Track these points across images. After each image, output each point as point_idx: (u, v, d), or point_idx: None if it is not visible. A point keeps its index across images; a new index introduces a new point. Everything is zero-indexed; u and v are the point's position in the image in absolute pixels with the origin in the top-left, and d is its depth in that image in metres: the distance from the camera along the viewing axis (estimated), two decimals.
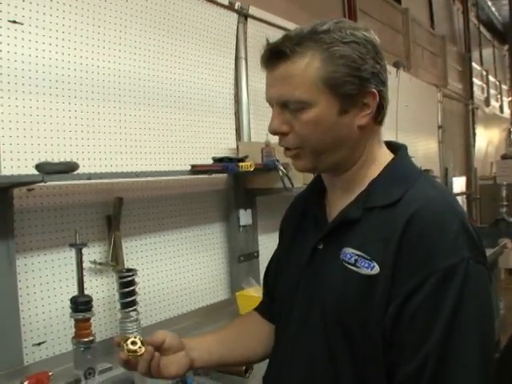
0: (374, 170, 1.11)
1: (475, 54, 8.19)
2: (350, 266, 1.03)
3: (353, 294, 1.02)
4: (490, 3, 9.15)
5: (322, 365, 1.06)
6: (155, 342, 1.13)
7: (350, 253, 1.04)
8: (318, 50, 1.02)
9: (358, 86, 1.04)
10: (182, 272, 2.58)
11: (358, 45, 1.03)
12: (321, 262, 1.11)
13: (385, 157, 1.14)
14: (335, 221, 1.11)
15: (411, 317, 0.95)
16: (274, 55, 1.03)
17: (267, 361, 1.33)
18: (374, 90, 1.05)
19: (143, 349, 1.09)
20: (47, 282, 1.99)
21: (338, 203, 1.14)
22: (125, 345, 1.09)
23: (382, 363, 0.99)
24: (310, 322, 1.10)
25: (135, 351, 1.09)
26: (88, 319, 1.45)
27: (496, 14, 9.68)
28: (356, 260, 1.03)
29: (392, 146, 1.17)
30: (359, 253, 1.03)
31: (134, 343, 1.09)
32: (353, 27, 1.05)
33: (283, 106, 1.06)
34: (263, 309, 1.41)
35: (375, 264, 0.99)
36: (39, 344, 1.95)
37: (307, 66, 1.02)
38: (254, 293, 2.49)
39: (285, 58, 1.02)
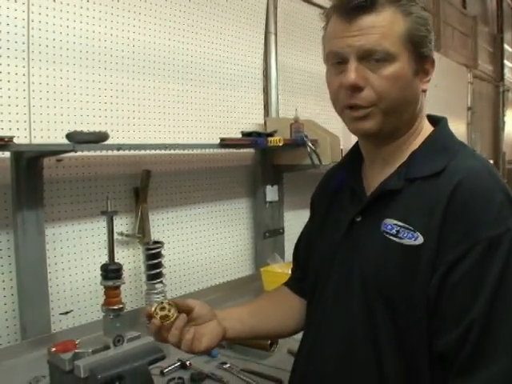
0: (416, 142, 1.11)
1: (507, 36, 7.99)
2: (391, 237, 1.03)
3: (395, 264, 1.01)
4: None
5: (361, 336, 1.06)
6: (185, 306, 1.12)
7: (391, 224, 1.04)
8: (400, 6, 1.02)
9: (429, 50, 1.06)
10: (208, 246, 2.59)
11: (426, 11, 1.06)
12: (360, 234, 1.10)
13: (427, 128, 1.13)
14: (375, 193, 1.10)
15: (455, 285, 0.94)
16: (359, 4, 1.00)
17: (293, 336, 1.33)
18: (434, 58, 1.08)
19: (175, 314, 1.08)
20: (75, 251, 2.01)
21: (377, 176, 1.12)
22: (155, 313, 1.08)
23: (425, 333, 0.98)
24: (349, 294, 1.09)
25: (167, 316, 1.07)
26: (118, 287, 1.45)
27: None
28: (398, 231, 1.02)
29: (432, 119, 1.16)
30: (402, 224, 1.02)
31: (162, 309, 1.08)
32: None
33: (362, 58, 1.01)
34: (293, 284, 1.41)
35: (419, 234, 0.99)
36: (66, 313, 1.98)
37: (393, 19, 1.01)
38: (278, 269, 2.49)
39: (371, 8, 1.01)
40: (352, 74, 1.01)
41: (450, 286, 0.95)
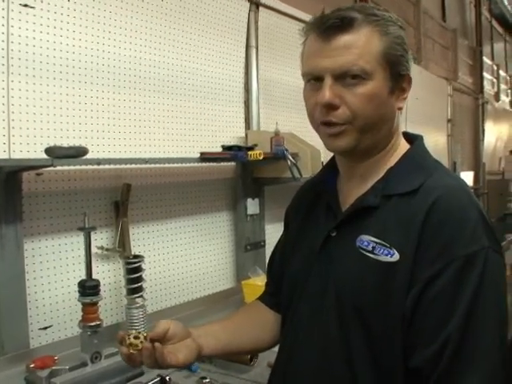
0: (393, 159, 1.12)
1: (486, 48, 8.11)
2: (367, 253, 1.04)
3: (371, 280, 1.02)
4: None
5: (335, 352, 1.06)
6: (158, 334, 1.10)
7: (367, 240, 1.05)
8: (377, 25, 1.04)
9: (405, 68, 1.07)
10: (189, 260, 2.58)
11: (402, 29, 1.07)
12: (334, 249, 1.11)
13: (403, 146, 1.15)
14: (351, 208, 1.11)
15: (432, 301, 0.96)
16: (337, 24, 1.02)
17: (273, 349, 1.33)
18: (411, 76, 1.09)
19: (145, 342, 1.07)
20: (54, 266, 1.99)
21: (353, 191, 1.13)
22: (127, 338, 1.07)
23: (401, 348, 0.99)
24: (324, 310, 1.10)
25: (136, 345, 1.06)
26: (95, 303, 1.46)
27: (508, 7, 9.55)
28: (374, 247, 1.03)
29: (408, 136, 1.18)
30: (377, 240, 1.03)
31: (136, 337, 1.07)
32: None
33: (338, 77, 1.03)
34: (268, 299, 1.41)
35: (395, 251, 1.00)
36: (45, 328, 1.96)
37: (369, 38, 1.03)
38: (259, 282, 2.49)
39: (347, 28, 1.02)
40: (327, 92, 1.03)
41: (426, 302, 0.96)
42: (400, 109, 1.10)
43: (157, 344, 1.07)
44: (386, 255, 1.01)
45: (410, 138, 1.18)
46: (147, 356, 1.06)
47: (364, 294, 1.03)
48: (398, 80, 1.07)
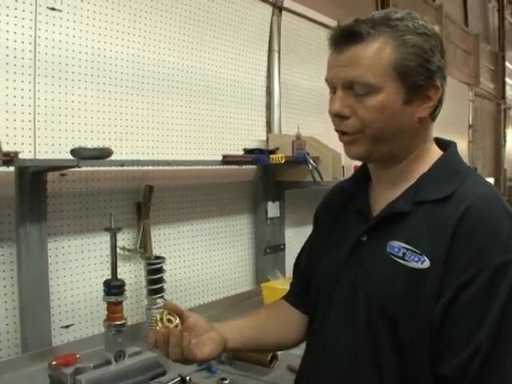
0: (424, 165, 1.11)
1: (509, 54, 8.03)
2: (397, 259, 1.04)
3: (400, 286, 1.02)
4: None
5: (364, 357, 1.06)
6: (189, 318, 1.12)
7: (397, 246, 1.04)
8: (392, 36, 1.02)
9: (425, 78, 1.04)
10: (209, 261, 2.60)
11: (429, 37, 1.05)
12: (365, 254, 1.11)
13: (435, 152, 1.14)
14: (382, 214, 1.11)
15: (462, 310, 0.95)
16: (348, 36, 1.03)
17: (292, 351, 1.33)
18: (438, 84, 1.06)
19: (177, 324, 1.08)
20: (76, 265, 2.02)
21: (384, 197, 1.13)
22: (160, 320, 1.08)
23: (427, 354, 0.99)
24: (353, 314, 1.10)
25: (167, 326, 1.07)
26: (120, 303, 1.48)
27: None
28: (404, 253, 1.03)
29: (440, 143, 1.17)
30: (408, 246, 1.03)
31: (170, 321, 1.08)
32: (424, 19, 1.07)
33: (348, 88, 1.04)
34: (292, 298, 1.41)
35: (425, 258, 1.00)
36: (67, 326, 1.98)
37: (380, 50, 1.02)
38: (279, 285, 2.49)
39: (358, 39, 1.02)
40: (337, 103, 1.05)
41: (457, 311, 0.96)
42: (420, 119, 1.07)
43: (185, 333, 1.07)
44: (417, 262, 1.00)
45: (443, 144, 1.17)
46: (174, 344, 1.06)
47: (393, 298, 1.03)
48: (418, 90, 1.05)
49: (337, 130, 1.10)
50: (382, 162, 1.13)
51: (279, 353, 1.88)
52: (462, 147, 5.89)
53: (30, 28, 1.84)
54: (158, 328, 1.08)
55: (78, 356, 1.65)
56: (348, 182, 1.30)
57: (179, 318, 1.10)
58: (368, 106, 1.03)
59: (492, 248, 0.96)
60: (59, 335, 1.96)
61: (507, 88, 7.75)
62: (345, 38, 1.03)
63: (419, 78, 1.04)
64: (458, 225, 0.98)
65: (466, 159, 5.94)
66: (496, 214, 1.00)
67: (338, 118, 1.07)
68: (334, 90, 1.08)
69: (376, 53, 1.02)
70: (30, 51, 1.85)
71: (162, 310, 1.12)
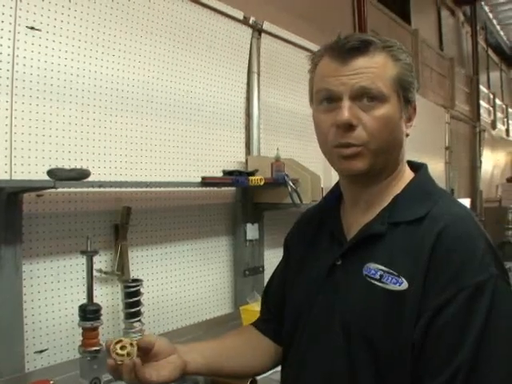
0: (398, 186, 1.12)
1: (483, 77, 8.20)
2: (375, 282, 1.03)
3: (380, 309, 1.01)
4: (498, 27, 9.16)
5: (342, 380, 1.05)
6: (145, 343, 1.06)
7: (374, 268, 1.04)
8: (390, 51, 1.06)
9: (412, 95, 1.09)
10: (187, 284, 2.57)
11: (411, 58, 1.10)
12: (340, 278, 1.10)
13: (408, 173, 1.15)
14: (358, 236, 1.10)
15: (441, 330, 0.95)
16: (354, 47, 1.03)
17: (272, 376, 1.30)
18: (416, 103, 1.11)
19: (133, 352, 1.03)
20: (52, 288, 1.97)
21: (358, 219, 1.13)
22: (114, 348, 1.03)
23: (408, 376, 0.98)
24: (329, 340, 1.08)
25: (123, 355, 1.03)
26: (96, 328, 1.44)
27: (504, 38, 9.69)
28: (382, 276, 1.02)
29: (412, 165, 1.18)
30: (385, 268, 1.02)
31: (123, 348, 1.03)
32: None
33: (355, 98, 1.03)
34: (261, 324, 1.39)
35: (403, 279, 0.99)
36: (41, 351, 1.93)
37: (385, 63, 1.05)
38: (258, 307, 2.46)
39: (364, 51, 1.03)
40: (346, 112, 1.02)
41: (436, 331, 0.95)
42: (407, 135, 1.11)
43: (137, 361, 1.03)
44: (395, 284, 1.00)
45: (414, 166, 1.18)
46: (127, 372, 1.02)
47: (372, 323, 1.01)
48: (407, 106, 1.09)
49: (337, 145, 1.05)
50: (371, 179, 1.11)
51: (259, 377, 1.85)
52: (439, 168, 5.96)
53: (8, 47, 1.82)
54: (109, 359, 1.04)
55: (51, 383, 1.60)
56: (320, 205, 1.30)
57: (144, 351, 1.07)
58: (376, 117, 1.03)
59: (469, 268, 0.96)
60: (33, 360, 1.90)
61: (482, 111, 7.89)
62: (353, 48, 1.03)
63: (411, 95, 1.08)
64: (434, 245, 0.98)
65: (442, 180, 6.03)
66: (470, 235, 1.00)
67: (342, 129, 1.03)
68: (330, 100, 1.06)
69: (382, 64, 1.04)
70: (8, 70, 1.82)
71: (113, 339, 1.09)
